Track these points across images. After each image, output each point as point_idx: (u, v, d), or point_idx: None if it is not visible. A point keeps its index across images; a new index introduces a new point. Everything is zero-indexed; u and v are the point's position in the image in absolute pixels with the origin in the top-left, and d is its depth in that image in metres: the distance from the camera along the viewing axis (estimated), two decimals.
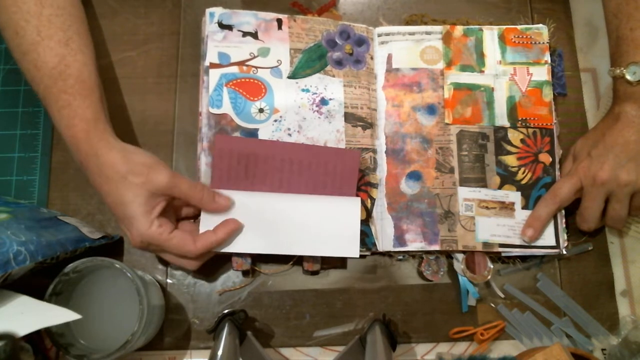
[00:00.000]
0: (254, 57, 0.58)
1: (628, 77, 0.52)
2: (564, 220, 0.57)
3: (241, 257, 0.54)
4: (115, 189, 0.47)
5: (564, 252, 0.57)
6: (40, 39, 0.49)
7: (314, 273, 0.56)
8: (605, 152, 0.53)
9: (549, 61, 0.61)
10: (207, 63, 0.57)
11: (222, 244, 0.51)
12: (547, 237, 0.57)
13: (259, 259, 0.56)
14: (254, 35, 0.58)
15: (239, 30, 0.58)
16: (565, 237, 0.57)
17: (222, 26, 0.58)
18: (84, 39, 0.52)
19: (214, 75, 0.56)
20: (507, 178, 0.58)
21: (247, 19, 0.58)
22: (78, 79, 0.50)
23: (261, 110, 0.57)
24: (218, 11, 0.58)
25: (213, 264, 0.56)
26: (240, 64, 0.57)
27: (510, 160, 0.59)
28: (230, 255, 0.54)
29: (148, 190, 0.47)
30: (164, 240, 0.48)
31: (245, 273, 0.56)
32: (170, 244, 0.48)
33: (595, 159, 0.53)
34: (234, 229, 0.51)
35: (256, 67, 0.57)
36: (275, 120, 0.57)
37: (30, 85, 0.50)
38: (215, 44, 0.57)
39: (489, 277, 0.55)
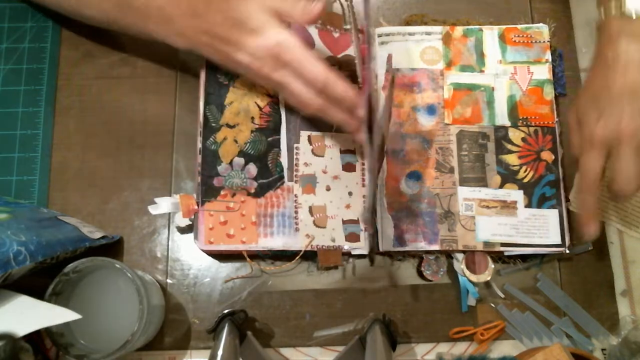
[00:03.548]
0: None
1: (624, 10, 0.48)
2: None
3: None
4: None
5: (568, 251, 0.57)
6: None
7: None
8: (615, 102, 0.47)
9: (550, 60, 0.61)
10: None
11: None
12: (552, 235, 0.56)
13: (258, 258, 0.56)
14: None
15: None
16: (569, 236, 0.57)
17: None
18: None
19: None
20: (508, 177, 0.58)
21: None
22: None
23: None
24: None
25: (214, 263, 0.57)
26: None
27: (511, 159, 0.58)
28: (230, 254, 0.54)
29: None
30: (302, 46, 0.46)
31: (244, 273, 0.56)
32: (306, 50, 0.46)
33: (608, 114, 0.47)
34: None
35: None
36: None
37: (89, 8, 0.53)
38: None
39: (489, 277, 0.55)
